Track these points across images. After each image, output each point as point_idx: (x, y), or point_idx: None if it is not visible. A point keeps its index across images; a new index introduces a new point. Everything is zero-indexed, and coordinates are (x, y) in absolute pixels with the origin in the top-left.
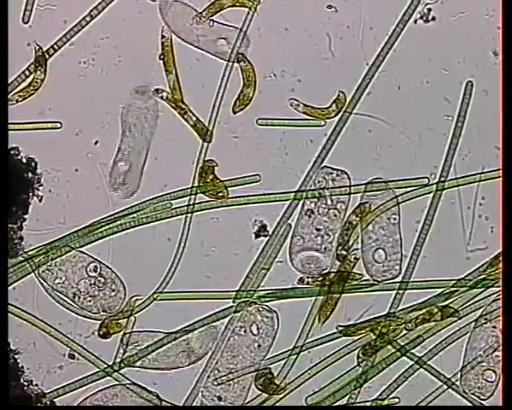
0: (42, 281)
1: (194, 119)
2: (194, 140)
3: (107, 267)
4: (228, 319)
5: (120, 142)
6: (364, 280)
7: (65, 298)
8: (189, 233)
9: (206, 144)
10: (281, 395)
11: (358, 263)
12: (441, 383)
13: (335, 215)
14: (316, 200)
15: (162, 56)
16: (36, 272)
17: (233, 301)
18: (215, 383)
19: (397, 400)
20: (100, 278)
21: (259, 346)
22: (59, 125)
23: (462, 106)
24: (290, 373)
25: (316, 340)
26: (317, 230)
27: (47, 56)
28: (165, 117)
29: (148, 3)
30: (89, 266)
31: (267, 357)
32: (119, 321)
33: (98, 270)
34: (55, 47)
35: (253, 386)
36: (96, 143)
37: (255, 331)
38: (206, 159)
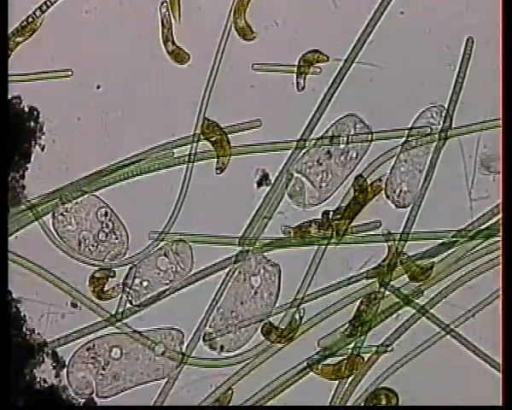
0: (46, 229)
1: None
2: (196, 88)
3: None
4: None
5: None
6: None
7: (69, 245)
8: (190, 182)
9: (207, 95)
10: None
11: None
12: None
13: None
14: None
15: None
16: (40, 220)
17: (239, 245)
18: (207, 338)
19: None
20: (108, 223)
21: (262, 297)
22: (70, 72)
23: (464, 56)
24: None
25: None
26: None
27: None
28: (166, 66)
29: None
30: (99, 211)
31: (270, 308)
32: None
33: (109, 216)
34: None
35: (255, 336)
36: (98, 87)
37: (256, 283)
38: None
